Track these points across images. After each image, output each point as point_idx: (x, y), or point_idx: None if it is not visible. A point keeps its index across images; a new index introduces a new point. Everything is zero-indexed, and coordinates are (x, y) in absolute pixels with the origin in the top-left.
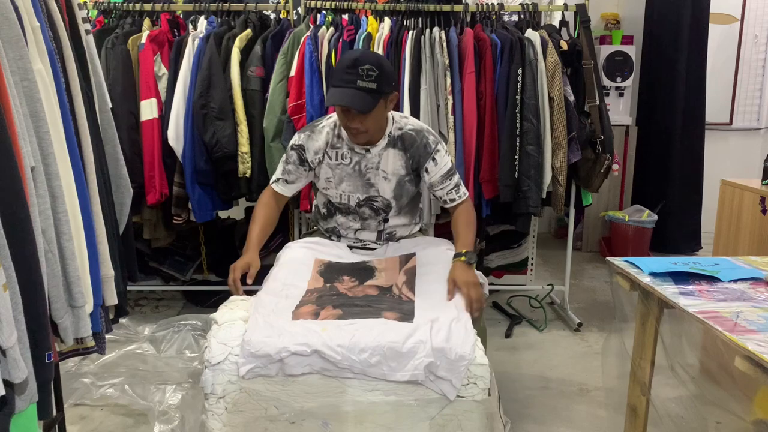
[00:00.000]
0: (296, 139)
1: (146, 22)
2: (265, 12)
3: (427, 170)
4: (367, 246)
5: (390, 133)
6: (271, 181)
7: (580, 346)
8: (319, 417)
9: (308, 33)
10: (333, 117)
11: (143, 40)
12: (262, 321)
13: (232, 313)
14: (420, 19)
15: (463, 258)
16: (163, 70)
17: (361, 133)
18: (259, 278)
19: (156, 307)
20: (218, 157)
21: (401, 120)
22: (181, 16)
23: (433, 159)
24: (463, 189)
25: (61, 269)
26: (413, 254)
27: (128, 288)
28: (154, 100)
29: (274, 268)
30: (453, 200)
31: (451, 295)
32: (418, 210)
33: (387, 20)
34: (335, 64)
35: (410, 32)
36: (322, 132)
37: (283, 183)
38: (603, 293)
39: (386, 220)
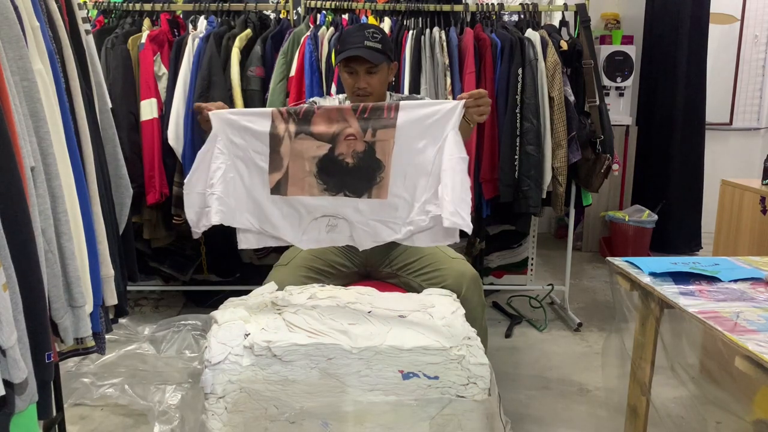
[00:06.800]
0: None
1: (146, 22)
2: (265, 12)
3: None
4: None
5: None
6: None
7: (580, 346)
8: (319, 417)
9: (308, 33)
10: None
11: (143, 40)
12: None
13: (232, 313)
14: (420, 19)
15: None
16: (163, 70)
17: (367, 95)
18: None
19: (156, 307)
20: None
21: (398, 95)
22: (181, 16)
23: None
24: None
25: (61, 269)
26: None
27: (128, 288)
28: (154, 100)
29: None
30: None
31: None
32: None
33: (387, 20)
34: (335, 63)
35: (410, 32)
36: None
37: None
38: (603, 293)
39: None
